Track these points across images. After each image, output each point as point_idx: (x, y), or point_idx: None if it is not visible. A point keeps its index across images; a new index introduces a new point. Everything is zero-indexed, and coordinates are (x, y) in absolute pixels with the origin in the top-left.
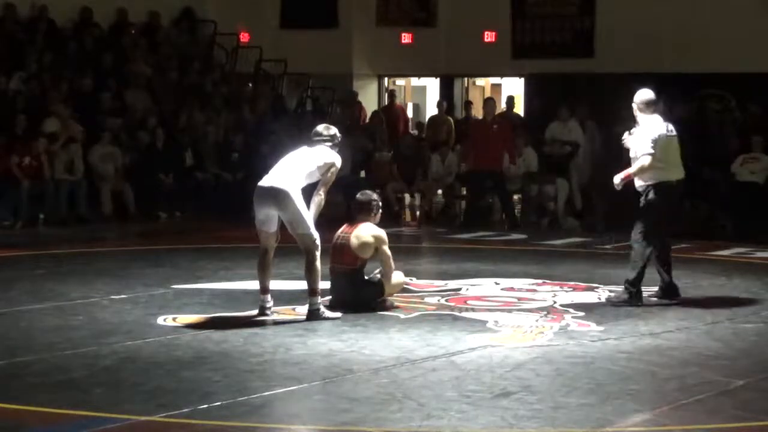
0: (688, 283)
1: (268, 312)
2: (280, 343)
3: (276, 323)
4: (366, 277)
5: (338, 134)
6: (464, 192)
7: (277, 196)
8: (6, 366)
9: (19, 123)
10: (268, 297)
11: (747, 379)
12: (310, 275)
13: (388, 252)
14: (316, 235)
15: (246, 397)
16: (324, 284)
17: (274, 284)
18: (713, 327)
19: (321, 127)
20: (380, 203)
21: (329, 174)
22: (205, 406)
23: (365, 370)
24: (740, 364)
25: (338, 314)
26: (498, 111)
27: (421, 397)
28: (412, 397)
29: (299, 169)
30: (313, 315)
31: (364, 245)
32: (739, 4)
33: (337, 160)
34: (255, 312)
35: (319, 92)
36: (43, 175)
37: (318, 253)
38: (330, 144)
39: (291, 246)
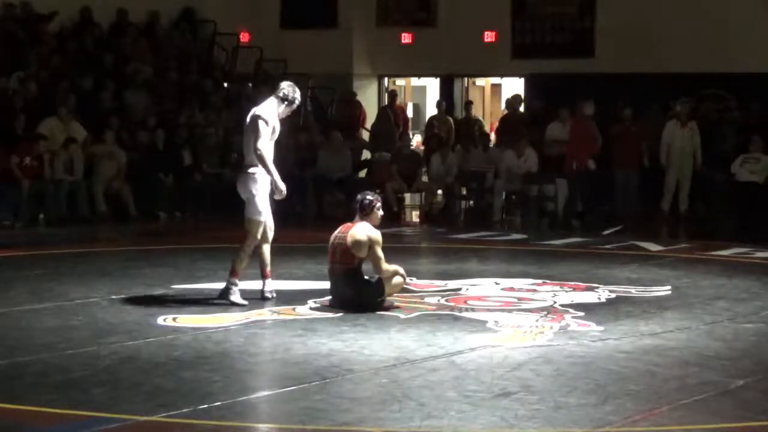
0: (688, 283)
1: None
2: (280, 343)
3: (276, 323)
4: (366, 277)
5: (295, 97)
6: (464, 192)
7: (240, 180)
8: (6, 366)
9: (19, 123)
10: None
11: (747, 379)
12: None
13: (379, 253)
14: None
15: (246, 397)
16: (325, 284)
17: (275, 284)
18: (713, 327)
19: (285, 83)
20: (378, 203)
21: (259, 130)
22: (205, 406)
23: (365, 370)
24: (740, 364)
25: (245, 302)
26: (501, 112)
27: (421, 397)
28: (412, 397)
29: (249, 145)
30: (225, 292)
31: (358, 244)
32: (739, 4)
33: (263, 113)
34: (255, 311)
35: (319, 92)
36: (43, 175)
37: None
38: (281, 97)
39: (291, 246)
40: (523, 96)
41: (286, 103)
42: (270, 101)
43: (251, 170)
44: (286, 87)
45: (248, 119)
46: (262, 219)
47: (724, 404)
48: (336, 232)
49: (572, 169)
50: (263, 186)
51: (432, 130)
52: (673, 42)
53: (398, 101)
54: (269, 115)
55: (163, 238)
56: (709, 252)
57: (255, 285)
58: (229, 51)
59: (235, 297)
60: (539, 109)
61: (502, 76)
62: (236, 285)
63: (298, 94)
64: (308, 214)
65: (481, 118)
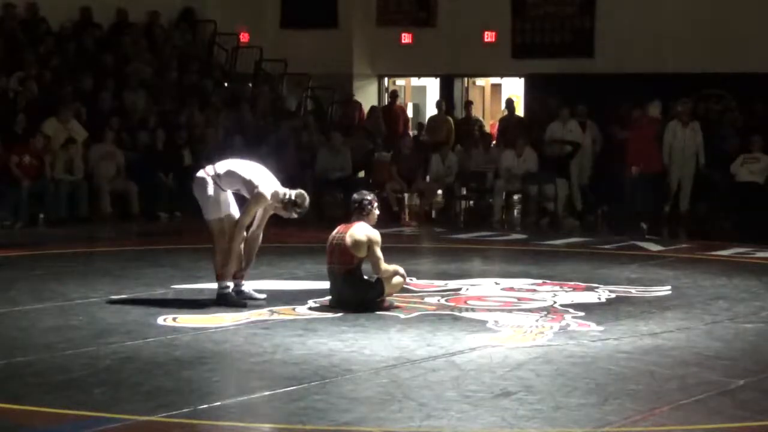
0: (688, 283)
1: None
2: (280, 343)
3: (276, 323)
4: (365, 277)
5: (297, 206)
6: (464, 192)
7: (199, 182)
8: (6, 366)
9: (19, 123)
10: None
11: (747, 379)
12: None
13: (379, 254)
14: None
15: (246, 397)
16: (325, 284)
17: (275, 284)
18: (713, 327)
19: (300, 192)
20: (375, 203)
21: (252, 199)
22: (205, 406)
23: (365, 370)
24: (740, 364)
25: (244, 302)
26: (500, 114)
27: (421, 397)
28: (412, 397)
29: (234, 170)
30: (222, 299)
31: (357, 244)
32: (739, 4)
33: (266, 191)
34: (255, 311)
35: (319, 92)
36: (43, 174)
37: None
38: (285, 198)
39: (290, 246)
40: (522, 96)
41: (285, 203)
42: (282, 194)
43: (217, 181)
44: (298, 196)
45: (261, 179)
46: (222, 215)
47: (724, 404)
48: (334, 232)
49: (631, 173)
50: (218, 190)
51: (420, 132)
52: (672, 42)
53: (398, 101)
54: (266, 197)
55: (163, 238)
56: (709, 252)
57: (266, 285)
58: (229, 51)
59: (233, 300)
60: (553, 107)
61: (502, 76)
62: (228, 288)
63: (302, 208)
64: (308, 214)
65: (481, 118)
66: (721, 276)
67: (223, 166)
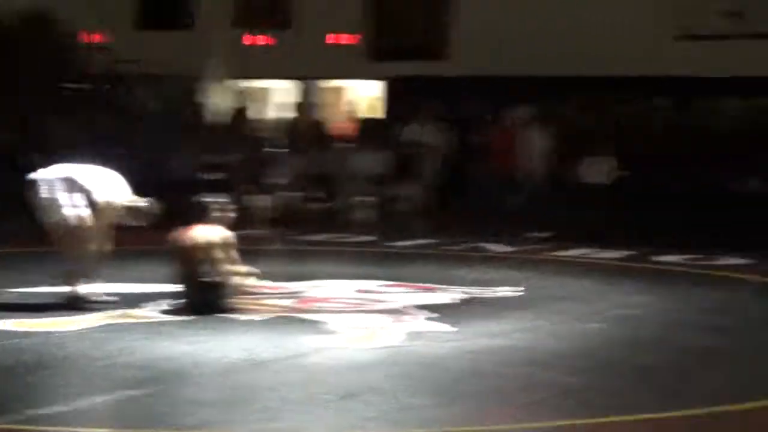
0: (536, 283)
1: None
2: (126, 346)
3: (123, 326)
4: (208, 279)
5: (145, 214)
6: (315, 194)
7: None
8: None
9: None
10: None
11: (589, 378)
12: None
13: (227, 255)
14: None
15: (88, 401)
16: (173, 287)
17: (123, 287)
18: (559, 327)
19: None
20: (225, 205)
21: (99, 207)
22: (46, 411)
23: (210, 373)
24: (584, 363)
25: (92, 305)
26: (354, 116)
27: (266, 399)
28: (257, 400)
29: (78, 175)
30: (67, 301)
31: (205, 246)
32: (598, 6)
33: (112, 198)
34: (104, 314)
35: (174, 94)
36: None
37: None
38: (132, 208)
39: (141, 249)
40: (384, 98)
41: (132, 210)
42: (129, 200)
43: (57, 184)
44: (145, 203)
45: (107, 185)
46: (63, 218)
47: (567, 402)
48: (183, 235)
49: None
50: (58, 193)
51: (273, 134)
52: (525, 46)
53: (250, 104)
54: (113, 204)
55: (8, 241)
56: (557, 253)
57: (114, 288)
58: (84, 51)
59: (80, 303)
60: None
61: (359, 78)
62: (76, 291)
63: (149, 215)
64: (160, 216)
65: (335, 121)
66: (568, 276)
67: (67, 170)
